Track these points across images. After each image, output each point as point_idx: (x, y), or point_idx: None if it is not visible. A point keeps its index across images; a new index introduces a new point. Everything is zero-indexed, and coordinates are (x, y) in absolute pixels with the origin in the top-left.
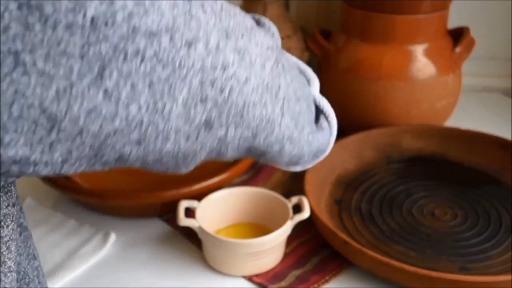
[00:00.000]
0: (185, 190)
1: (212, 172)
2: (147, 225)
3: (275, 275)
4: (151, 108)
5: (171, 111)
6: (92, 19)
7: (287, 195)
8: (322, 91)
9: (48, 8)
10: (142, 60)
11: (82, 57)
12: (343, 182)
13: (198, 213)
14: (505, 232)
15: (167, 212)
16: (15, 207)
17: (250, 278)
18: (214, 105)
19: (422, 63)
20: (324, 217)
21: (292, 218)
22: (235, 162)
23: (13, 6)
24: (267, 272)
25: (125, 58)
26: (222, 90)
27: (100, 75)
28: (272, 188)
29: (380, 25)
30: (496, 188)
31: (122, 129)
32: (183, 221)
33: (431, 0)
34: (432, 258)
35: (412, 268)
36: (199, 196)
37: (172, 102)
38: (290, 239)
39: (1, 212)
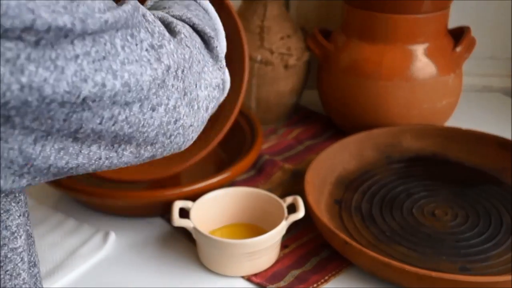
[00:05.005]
0: (186, 189)
1: (213, 172)
2: (147, 225)
3: (274, 275)
4: (109, 148)
5: (125, 150)
6: (84, 98)
7: (288, 196)
8: (322, 91)
9: (47, 90)
10: (114, 123)
11: (65, 120)
12: (343, 182)
13: (192, 214)
14: (506, 232)
15: (170, 212)
16: (25, 216)
17: (249, 278)
18: (161, 146)
19: (422, 62)
20: (324, 217)
21: (286, 218)
22: (236, 162)
23: (15, 87)
24: (266, 272)
25: (100, 122)
26: (170, 136)
27: (75, 131)
28: (272, 188)
29: (380, 24)
30: (497, 188)
31: (83, 163)
32: (178, 221)
33: (431, 0)
34: (433, 258)
35: (413, 269)
36: (200, 195)
37: (127, 145)
38: (290, 239)
39: (14, 223)
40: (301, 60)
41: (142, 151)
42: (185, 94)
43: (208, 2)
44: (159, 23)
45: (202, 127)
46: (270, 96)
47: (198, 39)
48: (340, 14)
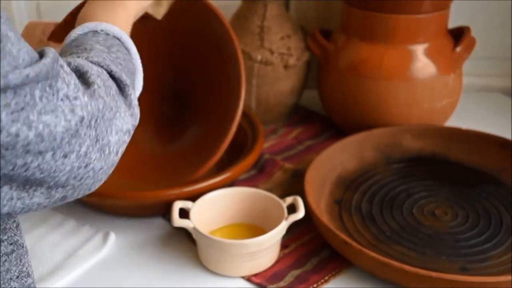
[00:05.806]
0: (186, 189)
1: (214, 172)
2: (147, 225)
3: (274, 275)
4: (20, 189)
5: (36, 191)
6: None
7: (288, 196)
8: (322, 91)
9: None
10: (26, 169)
11: None
12: (343, 182)
13: (192, 214)
14: (506, 232)
15: (170, 212)
16: (6, 229)
17: (249, 278)
18: (72, 188)
19: (422, 63)
20: (324, 217)
21: (286, 219)
22: (237, 162)
23: None
24: (266, 272)
25: (13, 169)
26: (80, 179)
27: None
28: (272, 188)
29: (380, 25)
30: (497, 187)
31: None
32: (177, 222)
33: (431, 0)
34: (433, 258)
35: (412, 269)
36: (200, 196)
37: (38, 187)
38: (290, 239)
39: None
40: (301, 60)
41: (53, 192)
42: (97, 140)
43: (131, 41)
44: (74, 76)
45: (113, 168)
46: (270, 96)
47: (114, 86)
48: (340, 14)
